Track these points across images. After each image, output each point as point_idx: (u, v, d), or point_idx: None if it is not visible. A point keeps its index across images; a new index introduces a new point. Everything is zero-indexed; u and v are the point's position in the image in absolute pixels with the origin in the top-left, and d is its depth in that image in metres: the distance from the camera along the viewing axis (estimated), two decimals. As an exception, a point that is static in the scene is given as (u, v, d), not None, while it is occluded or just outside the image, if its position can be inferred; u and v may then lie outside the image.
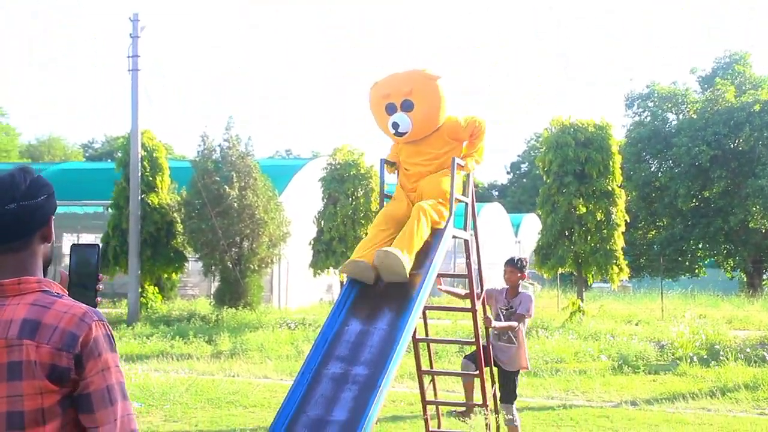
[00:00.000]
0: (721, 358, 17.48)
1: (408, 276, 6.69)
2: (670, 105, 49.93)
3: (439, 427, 9.16)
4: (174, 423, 11.00)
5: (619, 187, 24.57)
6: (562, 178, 24.11)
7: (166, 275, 27.11)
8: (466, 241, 7.88)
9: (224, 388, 13.40)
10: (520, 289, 8.89)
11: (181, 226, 26.02)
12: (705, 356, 17.70)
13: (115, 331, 19.56)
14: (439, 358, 15.99)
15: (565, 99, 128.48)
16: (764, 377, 15.05)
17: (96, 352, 2.51)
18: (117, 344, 2.65)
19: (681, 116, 49.90)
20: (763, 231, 45.54)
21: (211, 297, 29.49)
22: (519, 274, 8.81)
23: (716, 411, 12.79)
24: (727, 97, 46.62)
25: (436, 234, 7.14)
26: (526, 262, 9.03)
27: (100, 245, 2.85)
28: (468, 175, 7.85)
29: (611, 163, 24.32)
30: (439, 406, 9.24)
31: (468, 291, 8.23)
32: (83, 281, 2.81)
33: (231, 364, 16.50)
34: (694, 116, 47.72)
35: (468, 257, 7.96)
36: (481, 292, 8.37)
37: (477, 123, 7.64)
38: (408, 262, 6.69)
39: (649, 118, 50.31)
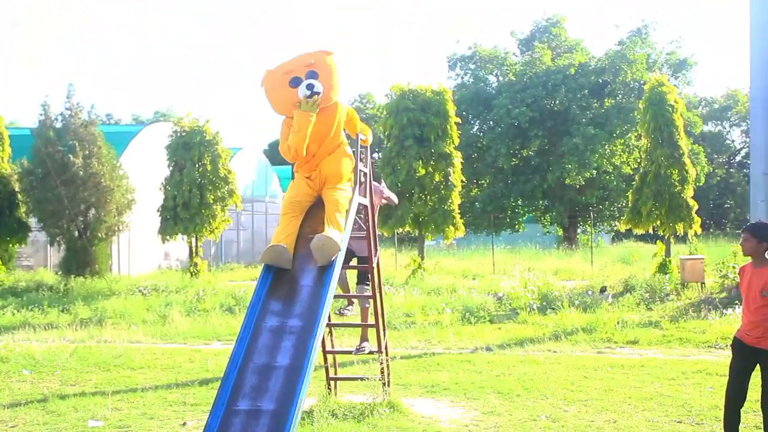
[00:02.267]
0: (554, 306, 19.13)
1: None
2: (491, 67, 51.91)
3: (335, 373, 10.14)
4: (72, 386, 11.53)
5: (456, 149, 25.95)
6: (402, 141, 25.25)
7: (7, 247, 26.83)
8: (365, 206, 8.84)
9: (106, 353, 13.91)
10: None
11: (24, 196, 25.82)
12: (540, 305, 19.29)
13: (-35, 304, 19.65)
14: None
15: (389, 60, 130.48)
16: (597, 321, 16.75)
17: None
18: None
19: (502, 78, 51.97)
20: (577, 187, 48.37)
21: (53, 267, 29.38)
22: None
23: (561, 352, 14.29)
24: (543, 59, 49.06)
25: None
26: None
27: None
28: (366, 148, 8.79)
29: (448, 126, 25.67)
30: (336, 355, 10.19)
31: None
32: None
33: (99, 332, 16.91)
34: (514, 78, 49.94)
35: (367, 220, 8.92)
36: (376, 252, 9.35)
37: (367, 130, 8.81)
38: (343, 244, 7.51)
39: (471, 80, 52.15)
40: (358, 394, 10.28)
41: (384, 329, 9.71)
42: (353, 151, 8.35)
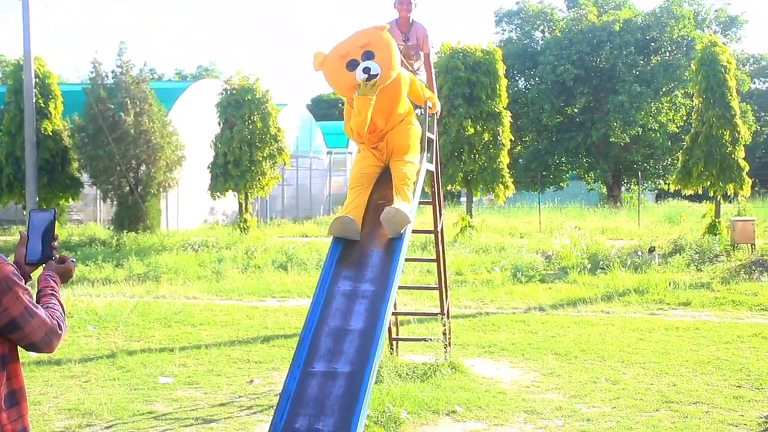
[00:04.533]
0: (604, 266, 19.15)
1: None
2: (537, 23, 51.52)
3: (397, 334, 10.33)
4: (137, 342, 11.83)
5: (505, 108, 25.96)
6: (452, 100, 25.29)
7: (62, 201, 27.29)
8: (431, 172, 8.95)
9: (166, 309, 14.15)
10: (411, 21, 9.87)
11: (75, 153, 26.18)
12: (589, 265, 19.31)
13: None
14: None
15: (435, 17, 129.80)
16: (648, 282, 16.74)
17: (6, 287, 3.23)
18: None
19: (547, 34, 51.55)
20: (622, 144, 48.03)
21: (103, 221, 29.83)
22: (413, 5, 9.82)
23: (614, 313, 14.37)
24: (589, 16, 48.60)
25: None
26: None
27: (56, 210, 3.51)
28: (433, 115, 8.87)
29: (498, 86, 25.69)
30: (398, 316, 10.37)
31: None
32: (41, 240, 3.51)
33: (156, 287, 17.20)
34: (560, 35, 49.51)
35: (434, 186, 9.03)
36: (441, 217, 9.47)
37: (433, 98, 8.80)
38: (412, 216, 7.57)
39: (517, 36, 51.81)
40: (419, 354, 10.47)
41: (447, 291, 9.85)
42: (421, 118, 8.43)
